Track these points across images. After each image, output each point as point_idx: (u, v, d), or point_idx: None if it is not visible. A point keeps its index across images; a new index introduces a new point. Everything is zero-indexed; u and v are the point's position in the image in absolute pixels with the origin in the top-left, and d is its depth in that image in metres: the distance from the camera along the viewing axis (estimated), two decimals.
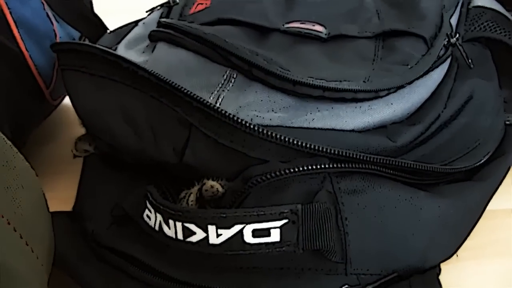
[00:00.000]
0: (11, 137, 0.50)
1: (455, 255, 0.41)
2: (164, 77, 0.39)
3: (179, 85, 0.39)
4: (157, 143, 0.41)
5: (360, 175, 0.39)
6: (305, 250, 0.36)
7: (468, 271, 0.42)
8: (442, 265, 0.40)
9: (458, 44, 0.50)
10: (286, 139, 0.37)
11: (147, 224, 0.39)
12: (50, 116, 0.62)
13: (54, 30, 0.54)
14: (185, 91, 0.38)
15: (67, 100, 0.64)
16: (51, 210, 0.42)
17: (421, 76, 0.46)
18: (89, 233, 0.43)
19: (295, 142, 0.37)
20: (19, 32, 0.50)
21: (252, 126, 0.37)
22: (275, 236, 0.36)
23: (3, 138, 0.35)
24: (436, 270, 0.39)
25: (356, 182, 0.39)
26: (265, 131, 0.37)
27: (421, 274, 0.39)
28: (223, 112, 0.37)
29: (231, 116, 0.37)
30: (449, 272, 0.38)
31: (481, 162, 0.45)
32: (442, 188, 0.43)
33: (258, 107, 0.41)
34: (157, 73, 0.40)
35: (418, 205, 0.40)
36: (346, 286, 0.37)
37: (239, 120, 0.37)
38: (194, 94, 0.38)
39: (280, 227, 0.36)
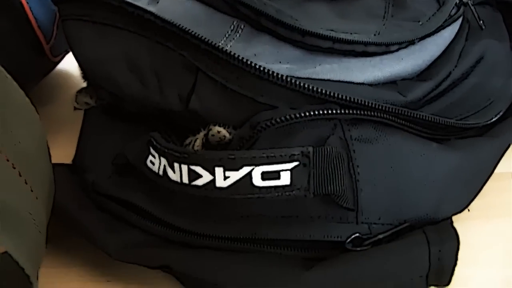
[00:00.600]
0: None
1: (466, 210, 0.39)
2: (171, 20, 0.37)
3: (186, 27, 0.37)
4: (162, 90, 0.39)
5: (372, 123, 0.37)
6: (316, 194, 0.34)
7: (476, 229, 0.41)
8: None
9: (469, 4, 0.49)
10: (297, 83, 0.35)
11: (151, 170, 0.37)
12: (50, 79, 0.61)
13: None
14: (193, 32, 0.37)
15: (67, 65, 0.62)
16: None
17: (432, 33, 0.44)
18: (89, 184, 0.41)
19: (305, 86, 0.35)
20: None
21: (262, 69, 0.35)
22: (285, 179, 0.34)
23: (3, 72, 0.33)
24: (449, 220, 0.37)
25: (367, 131, 0.37)
26: (275, 74, 0.35)
27: (435, 224, 0.37)
28: (233, 54, 0.36)
29: (240, 58, 0.36)
30: (458, 229, 0.36)
31: (492, 120, 0.44)
32: (454, 142, 0.41)
33: (265, 58, 0.40)
34: (163, 16, 0.38)
35: (431, 156, 0.38)
36: (357, 235, 0.36)
37: (249, 63, 0.35)
38: (202, 36, 0.36)
39: (291, 170, 0.34)
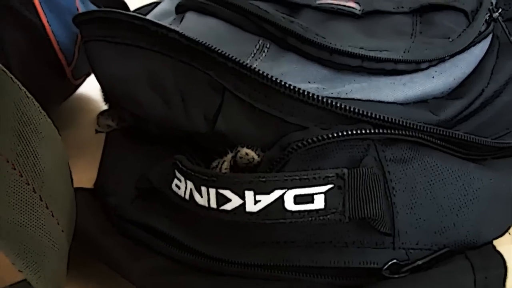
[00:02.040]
0: None
1: (507, 233, 0.36)
2: (196, 38, 0.35)
3: (212, 45, 0.35)
4: (187, 111, 0.37)
5: (406, 143, 0.35)
6: (351, 218, 0.32)
7: None
8: None
9: (500, 20, 0.46)
10: (328, 102, 0.33)
11: (176, 194, 0.35)
12: (71, 102, 0.59)
13: (76, 5, 0.51)
14: (219, 51, 0.34)
15: (88, 88, 0.60)
16: None
17: (463, 50, 0.42)
18: (112, 208, 0.39)
19: (337, 105, 0.33)
20: (40, 3, 0.46)
21: (292, 87, 0.33)
22: (319, 202, 0.31)
23: (24, 93, 0.31)
24: (491, 245, 0.34)
25: (402, 151, 0.34)
26: (305, 93, 0.33)
27: (476, 248, 0.34)
28: (260, 72, 0.33)
29: (269, 76, 0.33)
30: None
31: None
32: (491, 162, 0.38)
33: (292, 78, 0.37)
34: (188, 35, 0.36)
35: (468, 177, 0.35)
36: (395, 261, 0.33)
37: (278, 81, 0.33)
38: (229, 54, 0.34)
39: (325, 193, 0.31)
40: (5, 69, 0.29)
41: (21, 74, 0.45)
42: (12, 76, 0.30)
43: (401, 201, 0.33)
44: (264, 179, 0.31)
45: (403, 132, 0.34)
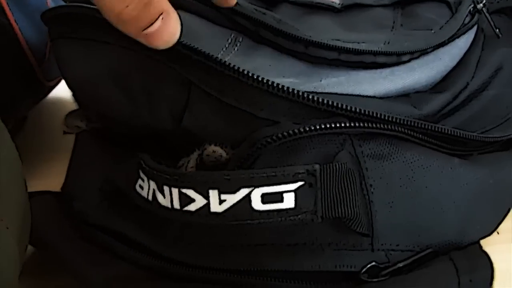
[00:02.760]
0: None
1: (495, 232, 0.33)
2: None
3: None
4: (152, 107, 0.34)
5: (385, 138, 0.32)
6: (324, 218, 0.29)
7: (507, 254, 0.34)
8: None
9: (484, 12, 0.43)
10: (300, 94, 0.30)
11: (140, 195, 0.32)
12: (46, 105, 0.56)
13: (46, 3, 0.48)
14: (184, 42, 0.31)
15: (63, 91, 0.57)
16: None
17: (446, 42, 0.39)
18: (76, 212, 0.36)
19: (310, 97, 0.30)
20: (7, 2, 0.43)
21: (260, 79, 0.30)
22: (289, 201, 0.28)
23: None
24: (478, 245, 0.31)
25: (381, 146, 0.32)
26: (276, 85, 0.30)
27: (461, 249, 0.31)
28: (227, 63, 0.30)
29: (236, 68, 0.30)
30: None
31: None
32: (477, 157, 0.35)
33: (266, 73, 0.34)
34: None
35: (452, 173, 0.32)
36: (373, 263, 0.30)
37: (246, 73, 0.30)
38: (194, 45, 0.31)
39: (295, 191, 0.28)
40: None
41: None
42: None
43: (379, 199, 0.30)
44: (228, 177, 0.28)
45: (382, 126, 0.32)
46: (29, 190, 0.40)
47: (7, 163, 0.30)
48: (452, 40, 0.40)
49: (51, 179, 0.44)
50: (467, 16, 0.41)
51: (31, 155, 0.51)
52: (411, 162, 0.32)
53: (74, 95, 0.41)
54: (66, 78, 0.39)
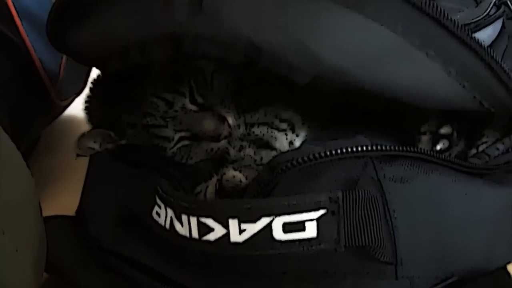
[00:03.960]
0: (11, 134, 0.42)
1: None
2: None
3: None
4: None
5: (407, 160, 0.30)
6: (347, 247, 0.27)
7: None
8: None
9: (510, 4, 0.41)
10: None
11: (157, 222, 0.30)
12: (60, 124, 0.54)
13: None
14: None
15: (78, 110, 0.56)
16: None
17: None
18: (91, 237, 0.34)
19: None
20: (22, 22, 0.42)
21: None
22: (311, 230, 0.27)
23: None
24: (505, 271, 0.29)
25: (403, 168, 0.30)
26: None
27: (488, 275, 0.29)
28: None
29: None
30: None
31: None
32: (501, 176, 0.33)
33: None
34: None
35: (477, 194, 0.30)
36: None
37: None
38: None
39: (317, 219, 0.27)
40: None
41: (1, 96, 0.41)
42: None
43: (403, 224, 0.28)
44: (249, 206, 0.27)
45: (404, 148, 0.30)
46: (43, 210, 0.39)
47: (21, 187, 0.29)
48: (479, 30, 0.38)
49: (65, 198, 0.43)
50: (492, 7, 0.40)
51: (45, 174, 0.50)
52: (434, 184, 0.30)
53: (89, 114, 0.40)
54: None
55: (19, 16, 0.42)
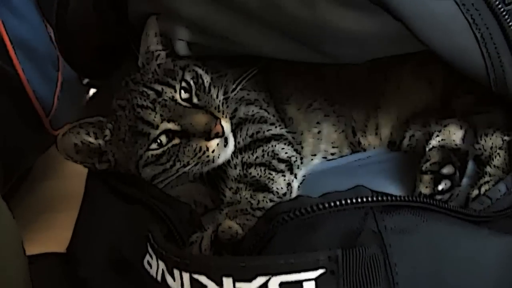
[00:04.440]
0: (2, 168, 0.41)
1: None
2: None
3: None
4: None
5: (409, 209, 0.29)
6: None
7: None
8: None
9: None
10: None
11: (148, 273, 0.29)
12: (54, 152, 0.53)
13: (57, 54, 0.45)
14: None
15: None
16: (46, 250, 0.36)
17: None
18: (80, 279, 0.32)
19: None
20: (15, 52, 0.41)
21: None
22: None
23: None
24: None
25: (405, 219, 0.28)
26: None
27: None
28: None
29: None
30: None
31: None
32: (505, 222, 0.32)
33: None
34: None
35: (480, 243, 0.29)
36: None
37: None
38: None
39: (316, 279, 0.25)
40: None
41: None
42: None
43: (405, 280, 0.27)
44: (244, 264, 0.25)
45: (406, 198, 0.28)
46: (33, 242, 0.37)
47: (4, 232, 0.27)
48: None
49: (57, 231, 0.41)
50: None
51: (38, 203, 0.49)
52: (437, 234, 0.29)
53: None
54: None
55: (12, 46, 0.40)
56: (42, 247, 0.38)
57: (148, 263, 0.29)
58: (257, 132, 0.40)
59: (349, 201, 0.27)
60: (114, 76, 0.46)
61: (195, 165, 0.38)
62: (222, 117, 0.38)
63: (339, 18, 0.34)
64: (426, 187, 0.36)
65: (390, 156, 0.45)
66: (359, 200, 0.28)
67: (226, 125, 0.38)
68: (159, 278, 0.28)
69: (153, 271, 0.28)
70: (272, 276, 0.25)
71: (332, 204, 0.27)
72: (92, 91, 0.52)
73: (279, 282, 0.25)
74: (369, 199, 0.28)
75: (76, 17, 0.44)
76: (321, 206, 0.27)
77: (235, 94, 0.42)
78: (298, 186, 0.39)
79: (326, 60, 0.41)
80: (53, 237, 0.37)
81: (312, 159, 0.45)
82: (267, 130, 0.40)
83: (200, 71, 0.41)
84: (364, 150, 0.46)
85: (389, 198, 0.28)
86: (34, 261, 0.35)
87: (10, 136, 0.41)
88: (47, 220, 0.45)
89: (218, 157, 0.38)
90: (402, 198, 0.28)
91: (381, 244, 0.27)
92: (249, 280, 0.25)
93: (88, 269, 0.33)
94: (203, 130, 0.36)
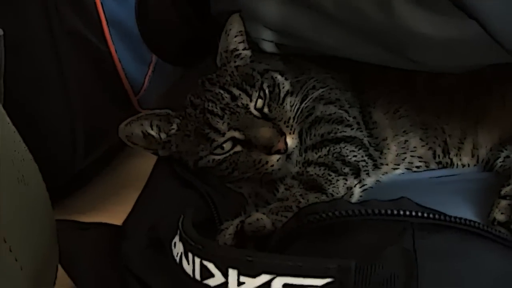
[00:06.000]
0: (84, 139, 0.43)
1: None
2: None
3: None
4: None
5: (456, 232, 0.25)
6: None
7: None
8: None
9: None
10: None
11: (172, 253, 0.28)
12: None
13: None
14: None
15: None
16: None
17: None
18: (122, 253, 0.33)
19: None
20: (110, 31, 0.42)
21: None
22: None
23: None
24: None
25: (449, 242, 0.25)
26: None
27: None
28: None
29: None
30: None
31: None
32: None
33: None
34: None
35: None
36: None
37: None
38: None
39: (322, 287, 0.22)
40: None
41: (81, 101, 0.41)
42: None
43: None
44: (250, 258, 0.23)
45: (454, 219, 0.25)
46: (107, 213, 0.38)
47: (30, 196, 0.28)
48: None
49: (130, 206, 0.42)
50: None
51: (120, 178, 0.51)
52: (486, 268, 0.25)
53: None
54: None
55: (108, 26, 0.42)
56: (113, 218, 0.39)
57: (174, 244, 0.28)
58: (329, 132, 0.37)
59: (389, 211, 0.24)
60: (205, 62, 0.47)
61: (253, 174, 0.37)
62: (289, 133, 0.37)
63: (416, 22, 0.32)
64: (502, 213, 0.31)
65: (478, 175, 0.40)
66: (401, 212, 0.24)
67: (291, 141, 0.36)
68: (177, 259, 0.27)
69: (175, 252, 0.28)
70: (277, 276, 0.23)
71: (370, 212, 0.24)
72: None
73: (283, 283, 0.23)
74: (413, 213, 0.24)
75: (156, 12, 0.45)
76: (356, 212, 0.25)
77: (313, 93, 0.40)
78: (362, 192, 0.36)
79: (411, 66, 0.38)
80: (126, 212, 0.38)
81: (394, 168, 0.41)
82: (341, 131, 0.37)
83: (279, 78, 0.40)
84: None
85: (435, 216, 0.25)
86: (86, 228, 0.36)
87: (99, 111, 0.43)
88: (127, 195, 0.46)
89: (278, 172, 0.36)
90: (450, 218, 0.25)
91: (412, 264, 0.24)
92: (254, 276, 0.23)
93: (129, 245, 0.33)
94: (265, 144, 0.35)
